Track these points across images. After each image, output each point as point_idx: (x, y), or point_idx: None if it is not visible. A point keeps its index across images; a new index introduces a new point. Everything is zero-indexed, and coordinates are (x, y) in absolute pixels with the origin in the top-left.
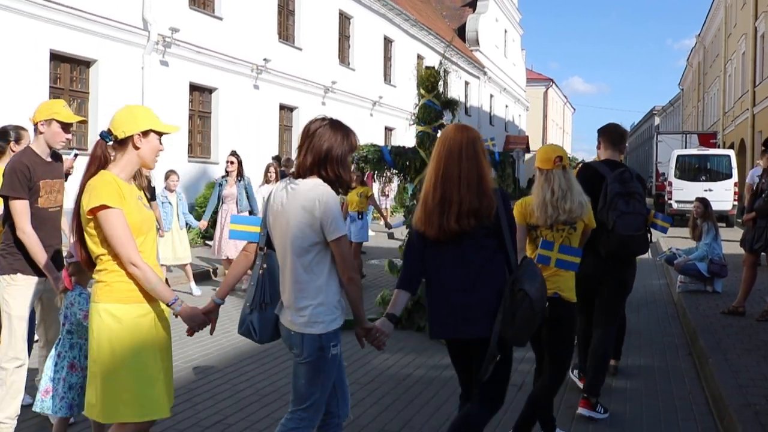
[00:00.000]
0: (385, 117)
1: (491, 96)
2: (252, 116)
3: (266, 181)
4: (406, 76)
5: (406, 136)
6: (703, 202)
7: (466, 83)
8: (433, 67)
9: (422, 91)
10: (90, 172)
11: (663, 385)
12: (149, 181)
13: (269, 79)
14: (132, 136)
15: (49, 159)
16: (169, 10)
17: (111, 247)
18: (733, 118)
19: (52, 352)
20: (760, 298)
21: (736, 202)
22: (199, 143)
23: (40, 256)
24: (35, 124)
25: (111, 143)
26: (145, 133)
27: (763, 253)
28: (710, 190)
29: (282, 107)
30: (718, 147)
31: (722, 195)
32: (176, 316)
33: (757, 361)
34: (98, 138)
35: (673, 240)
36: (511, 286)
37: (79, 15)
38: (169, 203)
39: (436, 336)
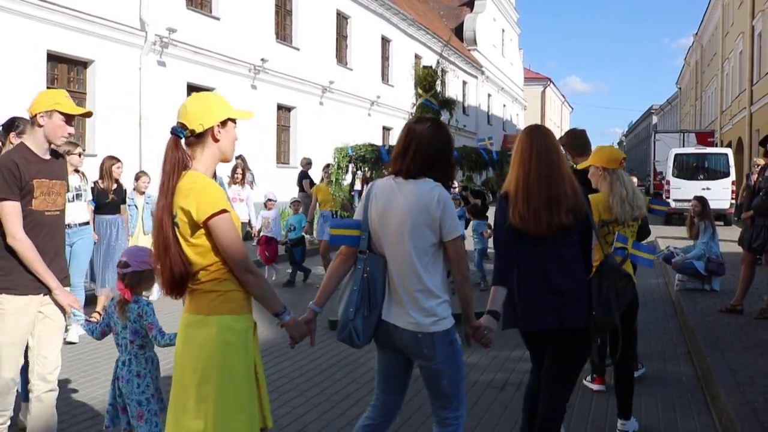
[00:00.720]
0: (383, 117)
1: (489, 95)
2: None
3: (233, 182)
4: (403, 75)
5: None
6: (701, 201)
7: (464, 82)
8: (431, 67)
9: (420, 91)
10: (176, 175)
11: (661, 383)
12: (119, 184)
13: (267, 79)
14: (212, 128)
15: (48, 156)
16: (167, 11)
17: (224, 255)
18: (730, 116)
19: (123, 372)
20: (758, 296)
21: (733, 201)
22: None
23: (37, 264)
24: (33, 117)
25: (185, 138)
26: (223, 123)
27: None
28: (708, 188)
29: (280, 107)
30: (716, 146)
31: (720, 193)
32: (281, 327)
33: (755, 359)
34: (170, 135)
35: (670, 239)
36: (611, 275)
37: (76, 15)
38: (135, 206)
39: (529, 327)
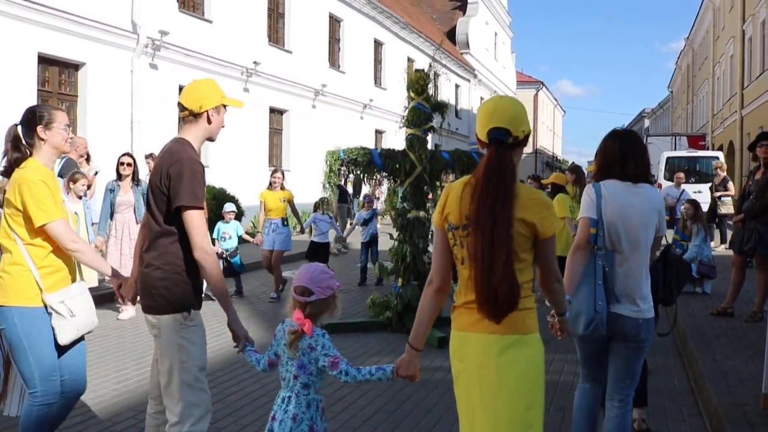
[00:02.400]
0: (376, 120)
1: (481, 99)
2: (242, 119)
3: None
4: (396, 79)
5: (396, 139)
6: (693, 204)
7: (457, 86)
8: (423, 70)
9: (412, 94)
10: (514, 182)
11: (653, 385)
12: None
13: (259, 82)
14: (207, 111)
15: None
16: (159, 13)
17: (546, 267)
18: (722, 120)
19: (279, 411)
20: (749, 299)
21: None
22: None
23: (223, 284)
24: (199, 112)
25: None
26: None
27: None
28: (699, 191)
29: (272, 110)
30: (708, 149)
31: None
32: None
33: (746, 362)
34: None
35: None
36: (675, 263)
37: (67, 18)
38: (75, 213)
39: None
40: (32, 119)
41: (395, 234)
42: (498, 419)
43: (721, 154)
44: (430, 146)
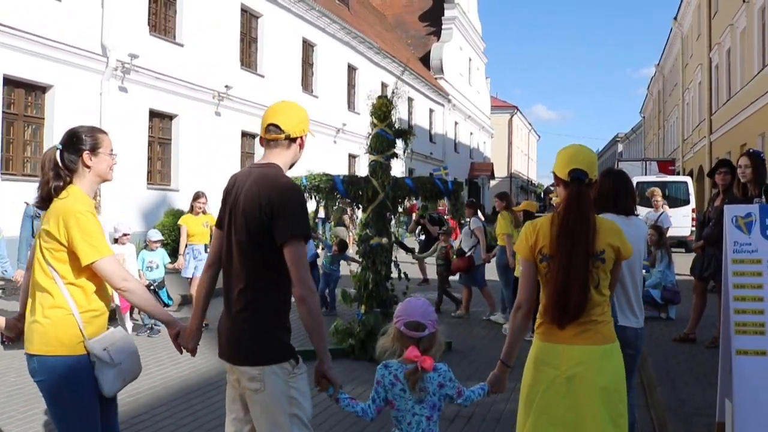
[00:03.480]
0: (349, 144)
1: (456, 123)
2: (213, 143)
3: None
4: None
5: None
6: (657, 230)
7: (431, 110)
8: (386, 96)
9: (375, 121)
10: (593, 215)
11: None
12: None
13: (231, 105)
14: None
15: None
16: (129, 37)
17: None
18: (691, 145)
19: None
20: (711, 324)
21: (693, 228)
22: (158, 170)
23: (324, 328)
24: (293, 137)
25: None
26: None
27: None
28: (670, 216)
29: (244, 134)
30: (678, 174)
31: (680, 221)
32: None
33: (704, 389)
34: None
35: None
36: None
37: (35, 40)
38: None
39: None
40: (77, 143)
41: (355, 268)
42: (592, 420)
43: (689, 179)
44: (402, 172)
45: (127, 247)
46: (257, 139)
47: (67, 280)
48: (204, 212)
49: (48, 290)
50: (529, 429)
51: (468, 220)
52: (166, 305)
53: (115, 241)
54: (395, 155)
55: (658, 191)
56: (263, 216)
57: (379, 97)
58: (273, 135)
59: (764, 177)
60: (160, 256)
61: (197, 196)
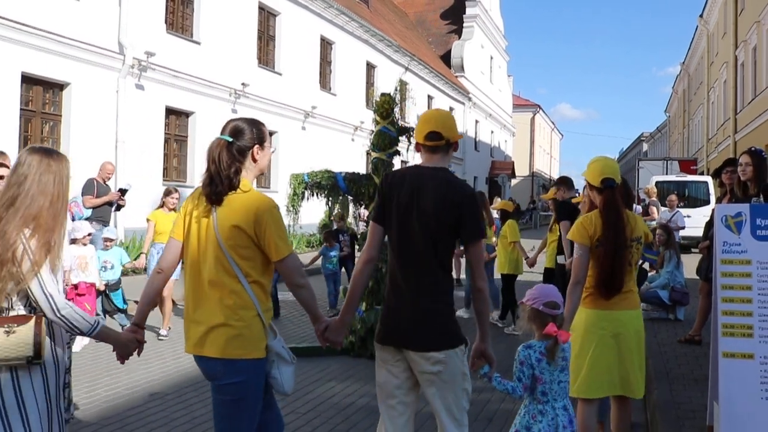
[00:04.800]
0: (367, 141)
1: (476, 122)
2: None
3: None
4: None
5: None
6: (666, 230)
7: (451, 108)
8: (389, 94)
9: (378, 118)
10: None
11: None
12: None
13: (248, 103)
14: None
15: None
16: (146, 34)
17: None
18: (716, 144)
19: (565, 420)
20: None
21: None
22: (175, 167)
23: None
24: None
25: (439, 144)
26: None
27: None
28: (689, 216)
29: None
30: (702, 173)
31: (700, 221)
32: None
33: (702, 392)
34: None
35: None
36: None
37: (53, 38)
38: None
39: None
40: (248, 136)
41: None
42: (630, 362)
43: (709, 179)
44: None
45: (88, 249)
46: (274, 137)
47: (251, 278)
48: (175, 210)
49: (233, 290)
50: (585, 376)
51: None
52: (121, 310)
53: (73, 241)
54: (398, 153)
55: (652, 190)
56: (450, 218)
57: (382, 95)
58: (435, 142)
59: (765, 176)
60: (117, 255)
61: (169, 192)
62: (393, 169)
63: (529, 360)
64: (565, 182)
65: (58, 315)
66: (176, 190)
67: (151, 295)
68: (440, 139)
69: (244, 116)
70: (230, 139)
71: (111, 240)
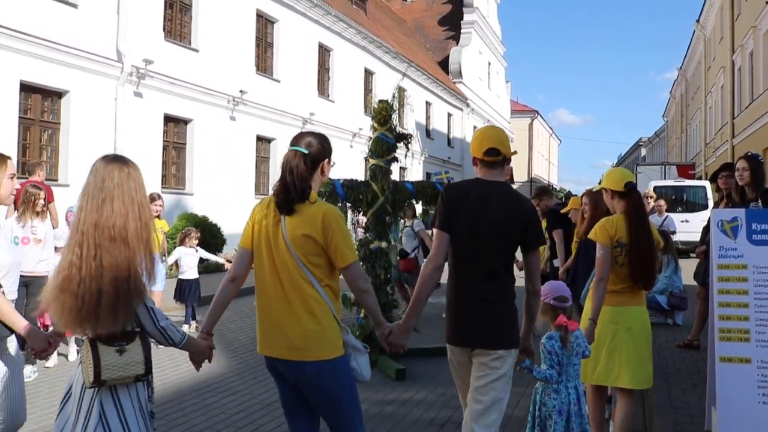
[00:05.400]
0: (365, 148)
1: (474, 127)
2: (228, 147)
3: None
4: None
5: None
6: (663, 235)
7: (449, 114)
8: (386, 101)
9: (375, 125)
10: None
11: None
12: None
13: (246, 110)
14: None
15: None
16: (144, 42)
17: None
18: (714, 149)
19: (573, 397)
20: None
21: None
22: (173, 174)
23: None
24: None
25: (497, 159)
26: None
27: None
28: (687, 221)
29: (259, 138)
30: (700, 178)
31: (698, 226)
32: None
33: (700, 397)
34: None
35: None
36: None
37: (51, 46)
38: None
39: None
40: (323, 150)
41: None
42: (635, 352)
43: (707, 183)
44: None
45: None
46: (272, 143)
47: (323, 282)
48: (158, 217)
49: (310, 295)
50: (603, 365)
51: (412, 221)
52: None
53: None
54: (396, 159)
55: (649, 192)
56: (517, 228)
57: (380, 101)
58: (494, 158)
59: (763, 180)
60: None
61: (152, 198)
62: (390, 176)
63: (554, 349)
64: (545, 192)
65: (159, 326)
66: (160, 197)
67: (224, 303)
68: (498, 155)
69: (313, 131)
70: (306, 151)
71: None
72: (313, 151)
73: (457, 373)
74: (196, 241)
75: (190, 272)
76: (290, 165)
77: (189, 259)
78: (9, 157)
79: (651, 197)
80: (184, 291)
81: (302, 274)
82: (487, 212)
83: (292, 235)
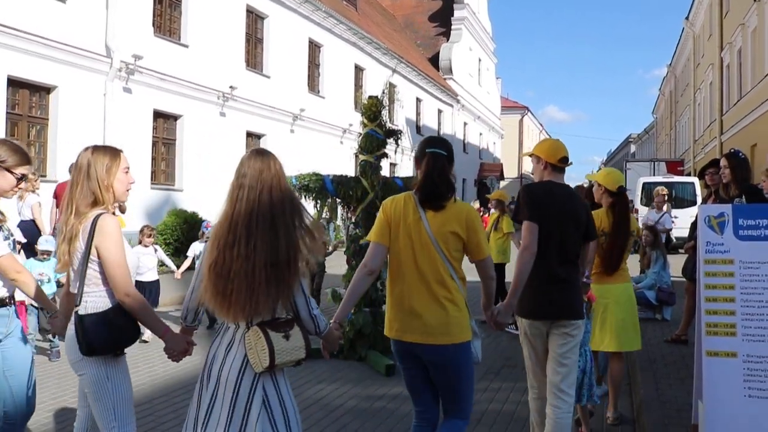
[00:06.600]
0: (355, 144)
1: (465, 124)
2: (218, 143)
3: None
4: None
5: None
6: (652, 231)
7: (440, 111)
8: (376, 97)
9: (365, 121)
10: None
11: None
12: None
13: (236, 106)
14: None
15: None
16: (133, 38)
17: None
18: (702, 146)
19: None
20: None
21: None
22: (162, 170)
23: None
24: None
25: (565, 165)
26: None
27: None
28: (676, 217)
29: (249, 134)
30: (689, 174)
31: (687, 221)
32: None
33: (688, 391)
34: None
35: None
36: None
37: (39, 41)
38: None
39: None
40: (452, 154)
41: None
42: (631, 320)
43: (696, 180)
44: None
45: (49, 263)
46: (262, 140)
47: (459, 275)
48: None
49: (453, 286)
50: (598, 331)
51: None
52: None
53: (34, 255)
54: (386, 155)
55: (662, 190)
56: (582, 224)
57: (370, 97)
58: (564, 164)
59: (746, 177)
60: (52, 267)
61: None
62: (380, 172)
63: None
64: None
65: (313, 314)
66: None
67: (360, 294)
68: (567, 162)
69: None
70: (445, 153)
71: (46, 252)
72: (449, 153)
73: (532, 345)
74: (152, 239)
75: (149, 273)
76: (438, 165)
77: (146, 259)
78: (121, 150)
79: (664, 194)
80: (143, 294)
81: (445, 267)
82: (569, 210)
83: (438, 232)
